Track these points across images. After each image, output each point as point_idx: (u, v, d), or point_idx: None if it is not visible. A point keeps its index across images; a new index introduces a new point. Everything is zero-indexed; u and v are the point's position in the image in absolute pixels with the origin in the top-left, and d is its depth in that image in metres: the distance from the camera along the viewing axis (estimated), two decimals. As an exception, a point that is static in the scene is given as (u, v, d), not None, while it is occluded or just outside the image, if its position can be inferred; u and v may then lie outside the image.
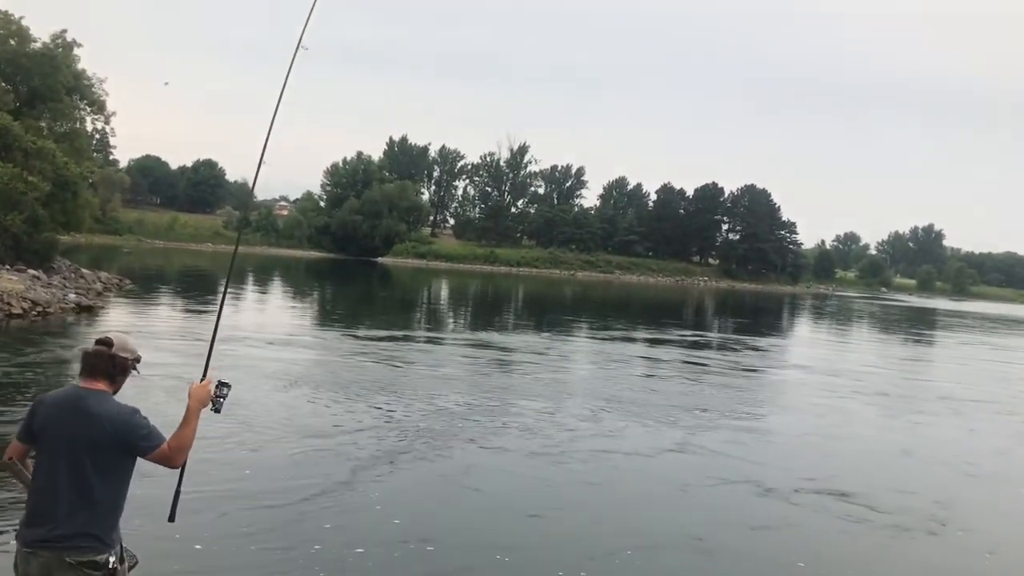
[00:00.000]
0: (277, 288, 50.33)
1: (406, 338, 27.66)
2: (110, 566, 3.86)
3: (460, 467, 11.25)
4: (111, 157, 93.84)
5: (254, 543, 7.84)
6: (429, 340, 28.10)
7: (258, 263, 74.69)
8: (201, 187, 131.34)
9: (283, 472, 10.27)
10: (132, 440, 3.87)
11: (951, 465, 14.22)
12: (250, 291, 42.70)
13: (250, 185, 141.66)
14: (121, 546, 3.99)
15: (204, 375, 4.38)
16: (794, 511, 10.62)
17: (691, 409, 17.29)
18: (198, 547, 7.38)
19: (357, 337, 25.78)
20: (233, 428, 11.65)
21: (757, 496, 11.16)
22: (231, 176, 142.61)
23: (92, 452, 3.83)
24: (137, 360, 4.13)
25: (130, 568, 4.14)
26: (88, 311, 25.98)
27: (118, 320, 25.74)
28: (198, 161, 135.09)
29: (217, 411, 4.29)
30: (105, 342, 4.03)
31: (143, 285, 39.05)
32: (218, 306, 5.55)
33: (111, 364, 4.00)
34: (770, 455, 13.81)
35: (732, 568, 8.53)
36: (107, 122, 45.92)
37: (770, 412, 18.15)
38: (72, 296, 27.51)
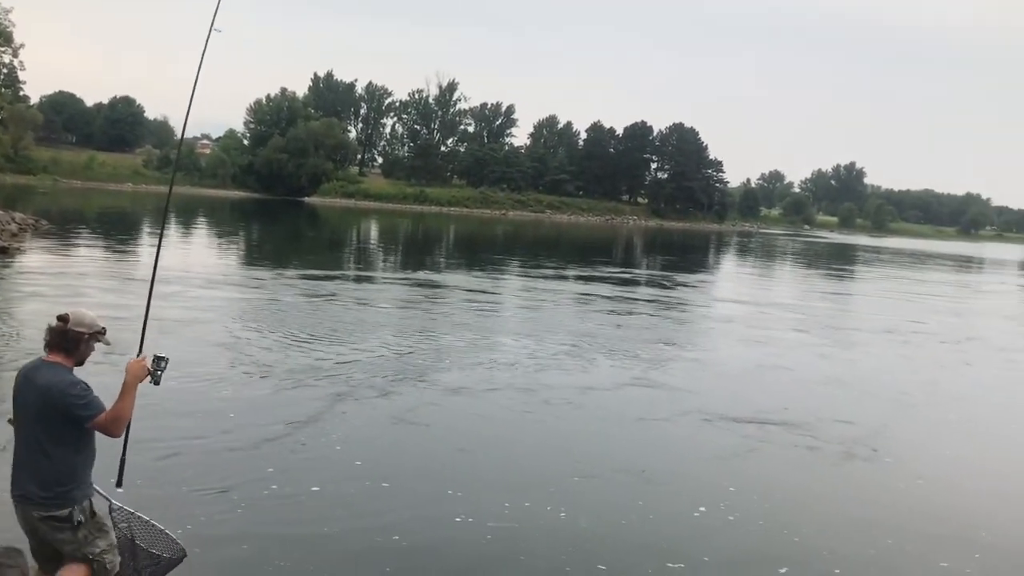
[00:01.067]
0: (202, 229, 49.12)
1: (342, 278, 27.39)
2: (73, 521, 4.28)
3: (410, 405, 11.32)
4: (21, 93, 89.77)
5: (207, 489, 7.76)
6: (363, 280, 27.87)
7: (181, 203, 72.61)
8: (119, 125, 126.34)
9: (233, 417, 10.14)
10: (70, 409, 4.18)
11: (882, 394, 14.71)
12: (176, 233, 41.59)
13: (170, 123, 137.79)
14: (90, 501, 4.39)
15: (140, 350, 4.68)
16: (732, 440, 10.88)
17: (631, 343, 17.54)
18: (151, 497, 7.23)
19: (291, 278, 25.34)
20: (179, 375, 11.38)
21: (697, 427, 11.42)
22: (150, 114, 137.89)
23: (41, 419, 4.22)
24: (99, 332, 4.42)
25: (173, 563, 4.75)
26: (3, 252, 24.96)
27: (36, 262, 24.83)
28: (115, 98, 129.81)
29: (156, 383, 4.56)
30: (62, 317, 4.33)
31: (61, 226, 37.69)
32: (149, 281, 5.46)
33: (64, 338, 4.31)
34: (709, 387, 14.17)
35: (667, 493, 8.77)
36: (15, 55, 43.83)
37: (706, 346, 18.50)
38: (-14, 238, 26.41)
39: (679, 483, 9.21)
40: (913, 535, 8.16)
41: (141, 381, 4.47)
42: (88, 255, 28.56)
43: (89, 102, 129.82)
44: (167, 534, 4.82)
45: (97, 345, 4.54)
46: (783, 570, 7.10)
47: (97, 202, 67.16)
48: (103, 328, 4.47)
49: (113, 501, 4.76)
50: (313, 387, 11.87)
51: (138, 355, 4.60)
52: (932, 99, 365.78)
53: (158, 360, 4.57)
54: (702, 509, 8.35)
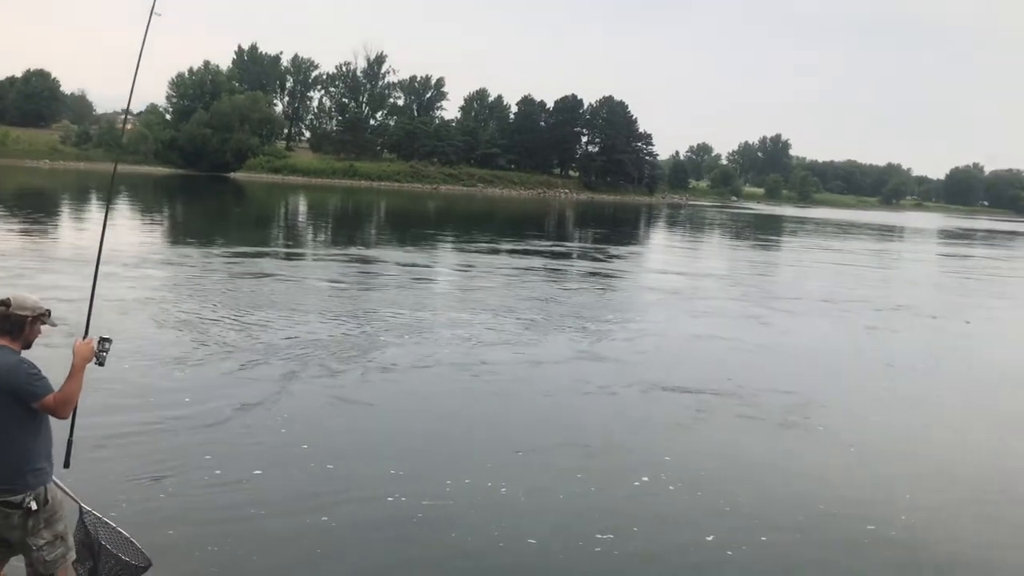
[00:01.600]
0: (125, 207, 47.69)
1: (275, 255, 26.97)
2: (24, 505, 4.27)
3: (355, 383, 11.35)
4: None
5: (152, 473, 7.68)
6: (296, 256, 27.46)
7: (102, 180, 70.39)
8: (34, 99, 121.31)
9: (180, 400, 10.01)
10: (19, 389, 4.20)
11: (818, 362, 15.10)
12: (95, 212, 40.33)
13: (88, 97, 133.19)
14: (46, 488, 4.37)
15: (86, 332, 4.70)
16: (674, 411, 11.09)
17: (571, 318, 17.70)
18: (97, 485, 7.04)
19: (224, 256, 24.83)
20: (128, 356, 11.08)
21: (641, 399, 11.62)
22: (67, 88, 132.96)
23: None
24: (43, 315, 4.43)
25: (139, 570, 4.81)
26: (-88, 235, 23.90)
27: (-52, 244, 23.81)
28: (29, 71, 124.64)
29: (101, 364, 4.61)
30: (3, 302, 4.35)
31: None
32: (95, 259, 5.39)
33: (8, 322, 4.32)
34: (650, 359, 14.41)
35: (608, 466, 8.86)
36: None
37: (645, 318, 18.72)
38: None
39: (622, 455, 9.31)
40: (842, 501, 8.37)
41: (88, 362, 4.50)
42: (9, 235, 27.47)
43: (0, 75, 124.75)
44: (133, 543, 4.87)
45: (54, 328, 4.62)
46: (709, 537, 7.22)
47: (12, 180, 64.56)
48: (47, 310, 4.47)
49: (83, 505, 4.82)
50: (260, 367, 11.76)
51: (84, 337, 4.62)
52: (855, 70, 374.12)
53: (103, 341, 4.61)
54: (644, 479, 8.46)
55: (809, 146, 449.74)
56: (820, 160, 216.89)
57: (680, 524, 7.54)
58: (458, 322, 16.29)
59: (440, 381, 11.96)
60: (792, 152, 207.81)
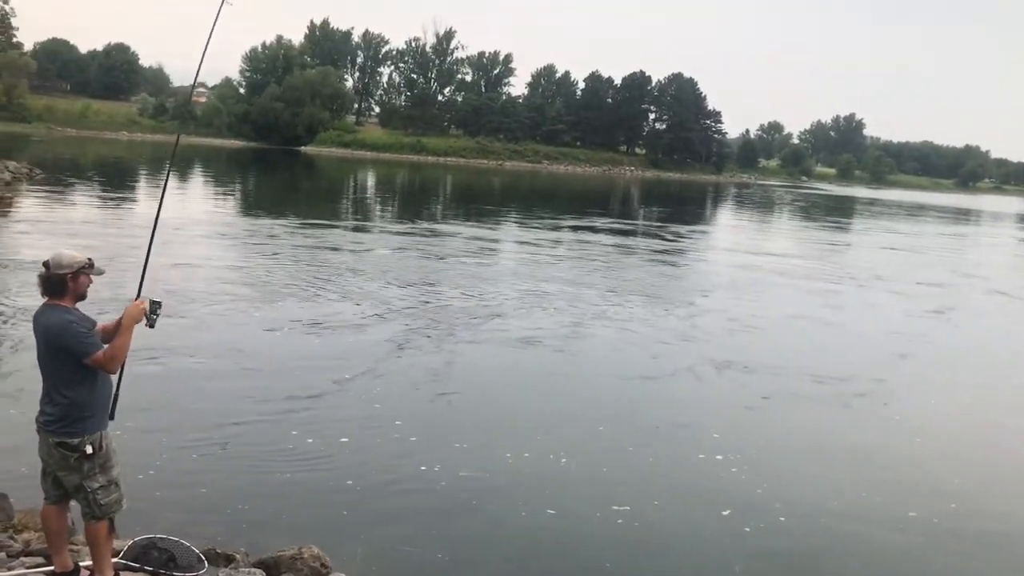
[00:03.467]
0: (199, 179, 48.97)
1: (358, 228, 27.64)
2: (81, 449, 4.57)
3: (444, 361, 11.61)
4: (14, 40, 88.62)
5: (244, 443, 8.09)
6: (359, 230, 27.96)
7: (178, 152, 72.10)
8: (114, 73, 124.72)
9: (272, 372, 10.45)
10: (69, 346, 4.47)
11: (886, 346, 14.97)
12: (174, 183, 41.52)
13: (165, 71, 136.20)
14: (101, 435, 4.66)
15: (139, 293, 4.88)
16: (739, 391, 11.28)
17: (640, 295, 17.99)
18: (187, 458, 7.56)
19: (298, 229, 25.49)
20: (208, 334, 11.72)
21: (710, 376, 11.83)
22: (145, 61, 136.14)
23: (50, 356, 4.54)
24: (85, 267, 4.59)
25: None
26: (-1, 201, 25.05)
27: (30, 212, 24.89)
28: (110, 45, 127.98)
29: (151, 327, 4.83)
30: (44, 264, 4.54)
31: (55, 175, 37.58)
32: (152, 225, 5.43)
33: (50, 283, 4.55)
34: (736, 340, 14.53)
35: (671, 441, 9.10)
36: (6, 1, 43.13)
37: (716, 297, 18.81)
38: (-19, 187, 26.43)
39: (690, 432, 9.50)
40: (895, 486, 8.41)
41: (137, 323, 4.71)
42: (81, 204, 28.56)
43: (83, 49, 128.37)
44: (192, 549, 5.35)
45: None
46: (726, 512, 7.41)
47: (92, 150, 66.72)
48: (87, 260, 4.63)
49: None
50: (361, 338, 12.31)
51: (136, 298, 4.80)
52: (933, 49, 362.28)
53: (154, 304, 4.77)
54: (701, 456, 8.65)
55: (884, 126, 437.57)
56: (895, 140, 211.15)
57: (701, 497, 7.78)
58: (556, 300, 16.66)
59: (524, 360, 12.24)
60: (866, 132, 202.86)
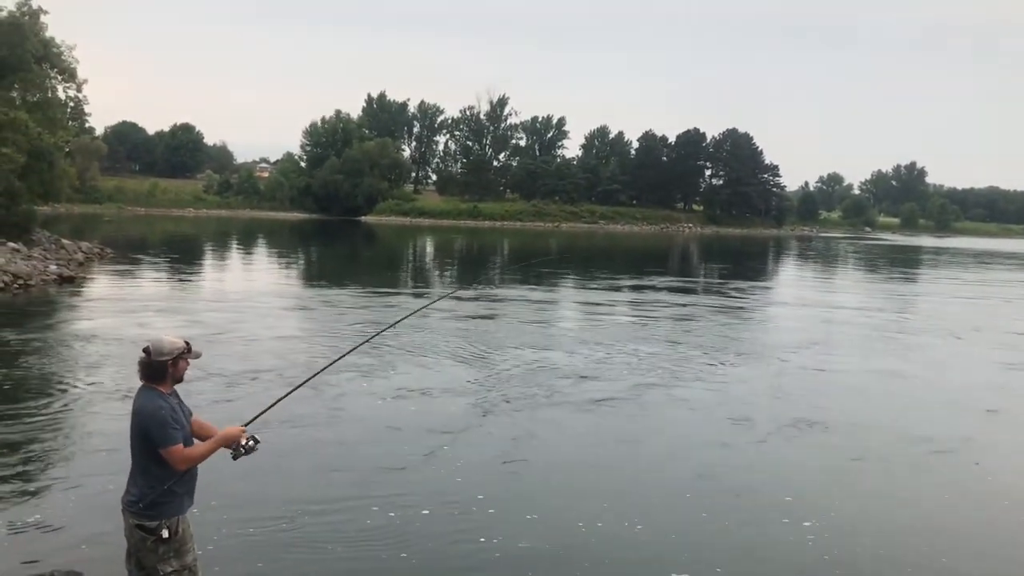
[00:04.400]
0: (263, 251, 49.87)
1: (417, 295, 27.70)
2: (157, 533, 4.63)
3: (520, 432, 11.29)
4: (87, 125, 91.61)
5: (329, 516, 8.02)
6: (417, 296, 28.05)
7: (242, 226, 74.02)
8: (180, 152, 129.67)
9: (358, 440, 10.62)
10: (150, 431, 4.57)
11: (967, 402, 14.34)
12: (237, 255, 42.33)
13: (229, 148, 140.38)
14: (179, 520, 4.71)
15: (249, 423, 4.95)
16: (819, 453, 10.91)
17: (707, 352, 17.63)
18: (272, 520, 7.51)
19: (382, 296, 25.65)
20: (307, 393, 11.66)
21: (789, 437, 11.49)
22: (209, 139, 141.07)
23: (136, 438, 4.64)
24: (182, 352, 4.71)
25: None
26: (70, 282, 25.70)
27: (102, 291, 25.49)
28: (175, 125, 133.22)
29: (235, 459, 4.85)
30: (144, 350, 4.69)
31: (125, 253, 38.65)
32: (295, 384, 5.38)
33: (148, 368, 4.67)
34: (797, 395, 14.25)
35: (750, 506, 8.65)
36: (79, 89, 44.85)
37: (786, 353, 18.33)
38: (54, 267, 27.22)
39: (771, 500, 9.08)
40: (978, 555, 7.92)
41: (226, 446, 4.77)
42: (149, 282, 29.17)
43: (151, 130, 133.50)
44: None
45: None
46: None
47: (160, 228, 68.69)
48: (186, 346, 4.76)
49: None
50: (445, 407, 12.30)
51: (245, 425, 4.91)
52: (995, 94, 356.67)
53: (252, 441, 4.79)
54: (805, 525, 8.25)
55: (947, 172, 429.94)
56: (959, 187, 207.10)
57: (742, 554, 7.50)
58: (625, 363, 16.34)
59: (607, 421, 12.08)
60: (928, 179, 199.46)
